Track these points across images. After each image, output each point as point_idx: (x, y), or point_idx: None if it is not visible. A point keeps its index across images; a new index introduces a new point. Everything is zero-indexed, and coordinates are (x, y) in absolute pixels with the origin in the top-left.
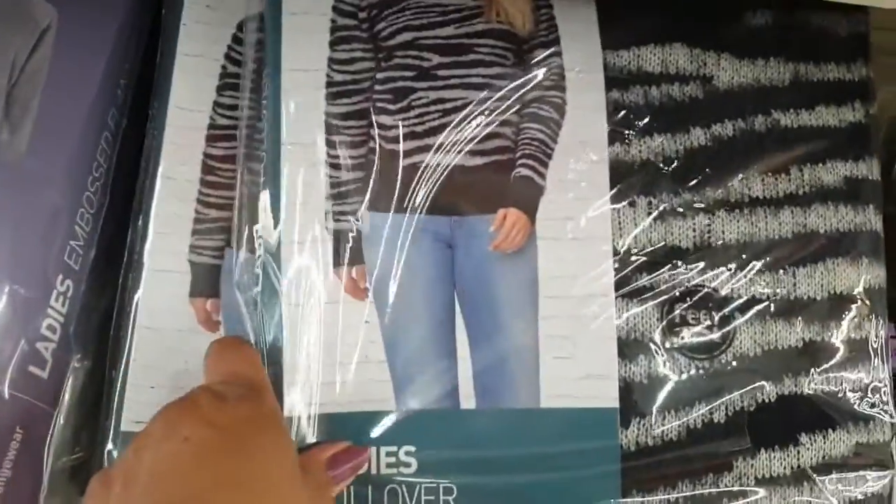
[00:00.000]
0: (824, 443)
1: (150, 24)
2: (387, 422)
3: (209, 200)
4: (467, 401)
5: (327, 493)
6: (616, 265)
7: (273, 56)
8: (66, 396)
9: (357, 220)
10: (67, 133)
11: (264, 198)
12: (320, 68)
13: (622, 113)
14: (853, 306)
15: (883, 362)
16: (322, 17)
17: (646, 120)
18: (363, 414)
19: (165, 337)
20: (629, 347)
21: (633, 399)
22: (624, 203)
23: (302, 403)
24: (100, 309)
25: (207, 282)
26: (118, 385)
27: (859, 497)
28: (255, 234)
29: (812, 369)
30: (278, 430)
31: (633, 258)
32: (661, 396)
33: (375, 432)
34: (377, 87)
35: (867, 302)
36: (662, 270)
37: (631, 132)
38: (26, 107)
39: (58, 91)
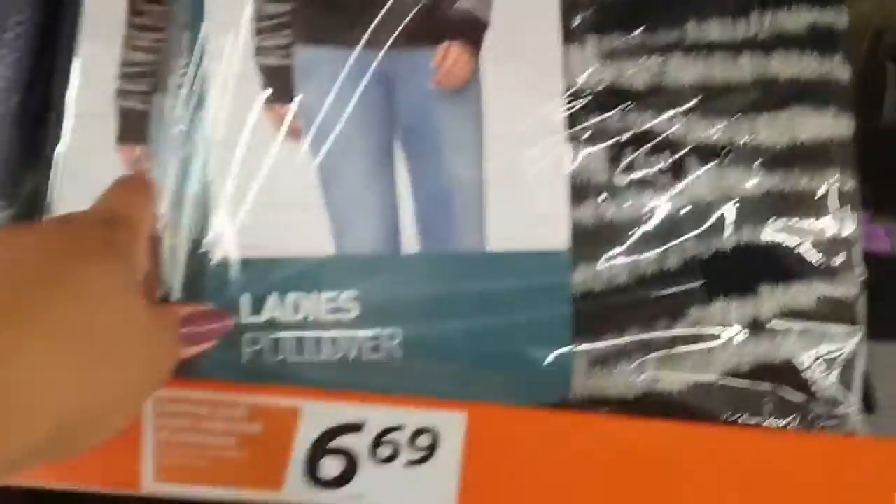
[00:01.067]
0: (784, 294)
1: None
2: (326, 267)
3: (137, 44)
4: (409, 245)
5: (173, 347)
6: (565, 104)
7: None
8: None
9: (289, 54)
10: None
11: (187, 34)
12: None
13: None
14: (818, 157)
15: (850, 216)
16: None
17: None
18: (301, 259)
19: (91, 185)
20: (578, 190)
21: (581, 243)
22: (573, 40)
23: (236, 246)
24: (23, 156)
25: (136, 127)
26: None
27: (819, 353)
28: (177, 70)
29: (772, 218)
30: (118, 258)
31: (583, 98)
32: (611, 241)
33: (315, 278)
34: None
35: (833, 154)
36: (613, 112)
37: None
38: None
39: None
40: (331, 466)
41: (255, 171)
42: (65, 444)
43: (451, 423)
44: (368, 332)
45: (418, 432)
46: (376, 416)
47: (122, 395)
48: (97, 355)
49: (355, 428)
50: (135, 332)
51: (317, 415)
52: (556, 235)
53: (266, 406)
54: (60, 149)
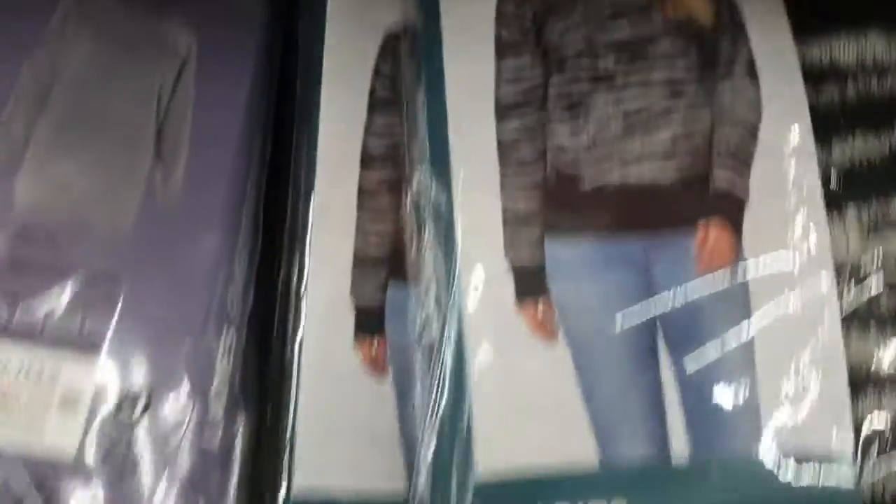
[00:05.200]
0: None
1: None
2: (590, 481)
3: (368, 231)
4: (680, 453)
5: None
6: (838, 284)
7: (433, 76)
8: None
9: (538, 251)
10: (220, 166)
11: (432, 228)
12: (486, 86)
13: (818, 111)
14: None
15: None
16: (484, 30)
17: (845, 119)
18: (563, 474)
19: (331, 383)
20: (860, 384)
21: (868, 450)
22: (833, 213)
23: (494, 462)
24: (260, 363)
25: (372, 321)
26: (286, 440)
27: None
28: (422, 268)
29: None
30: None
31: (851, 277)
32: None
33: (578, 494)
34: (549, 102)
35: None
36: (884, 291)
37: (831, 132)
38: (177, 143)
39: (206, 121)
40: None
41: (513, 377)
42: None
43: None
44: None
45: None
46: None
47: None
48: None
49: None
50: None
51: None
52: (840, 436)
53: None
54: (299, 346)
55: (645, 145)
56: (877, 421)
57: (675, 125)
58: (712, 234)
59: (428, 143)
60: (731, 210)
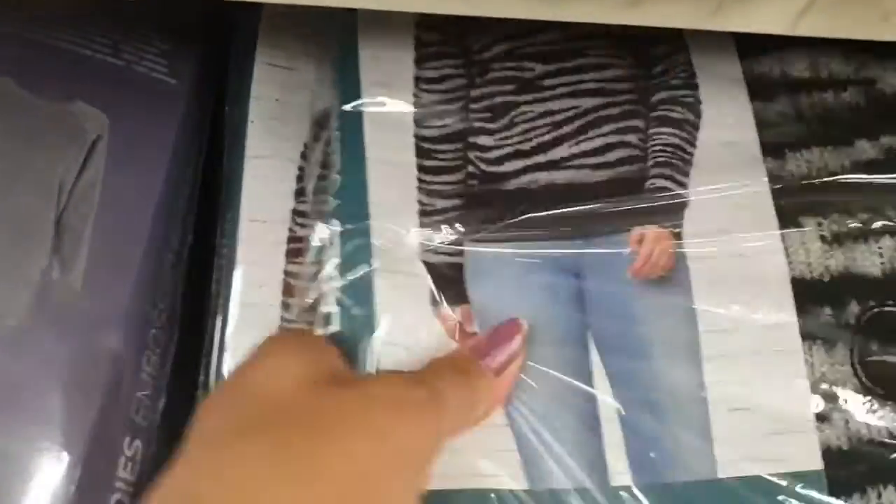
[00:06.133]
0: None
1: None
2: None
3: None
4: (619, 476)
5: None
6: (793, 294)
7: (350, 80)
8: None
9: (458, 253)
10: (127, 261)
11: (337, 228)
12: (406, 87)
13: (769, 124)
14: None
15: None
16: (404, 34)
17: (798, 132)
18: (487, 492)
19: None
20: (819, 402)
21: (833, 472)
22: (788, 225)
23: None
24: None
25: None
26: None
27: None
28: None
29: None
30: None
31: (810, 289)
32: (869, 466)
33: None
34: (472, 106)
35: None
36: (850, 304)
37: (783, 145)
38: (79, 236)
39: (113, 212)
40: None
41: None
42: None
43: None
44: None
45: None
46: None
47: None
48: None
49: None
50: None
51: None
52: (804, 451)
53: None
54: None
55: (574, 148)
56: (835, 439)
57: (606, 128)
58: (648, 237)
59: (342, 145)
60: (669, 212)
